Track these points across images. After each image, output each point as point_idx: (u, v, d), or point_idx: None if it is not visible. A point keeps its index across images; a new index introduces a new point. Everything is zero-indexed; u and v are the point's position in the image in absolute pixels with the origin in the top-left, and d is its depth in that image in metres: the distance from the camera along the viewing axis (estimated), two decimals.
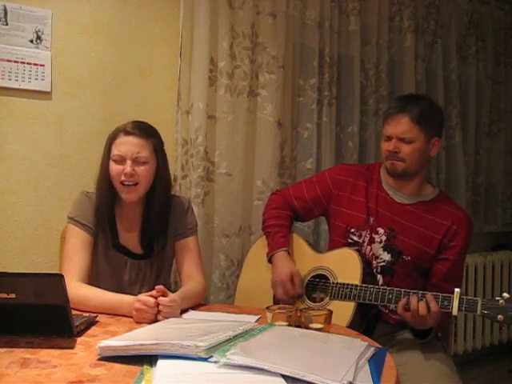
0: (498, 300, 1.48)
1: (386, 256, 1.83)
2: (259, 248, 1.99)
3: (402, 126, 1.79)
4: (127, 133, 1.67)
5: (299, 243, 1.94)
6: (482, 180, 3.41)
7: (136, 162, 1.65)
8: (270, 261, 1.88)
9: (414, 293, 1.60)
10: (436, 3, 3.10)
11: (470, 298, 1.53)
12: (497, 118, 3.49)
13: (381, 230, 1.85)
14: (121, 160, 1.65)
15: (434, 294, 1.58)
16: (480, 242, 3.48)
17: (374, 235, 1.85)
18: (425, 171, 1.90)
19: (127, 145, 1.65)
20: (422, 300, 1.57)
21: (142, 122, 1.74)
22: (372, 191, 1.91)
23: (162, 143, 1.75)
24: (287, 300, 1.77)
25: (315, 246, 2.01)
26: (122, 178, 1.65)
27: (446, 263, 1.80)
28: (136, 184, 1.66)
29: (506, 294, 1.48)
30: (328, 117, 2.65)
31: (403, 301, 1.59)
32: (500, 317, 1.47)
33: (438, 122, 1.86)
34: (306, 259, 1.87)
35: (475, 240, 3.29)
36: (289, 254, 1.86)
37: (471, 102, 3.32)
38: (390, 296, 1.65)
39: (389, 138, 1.82)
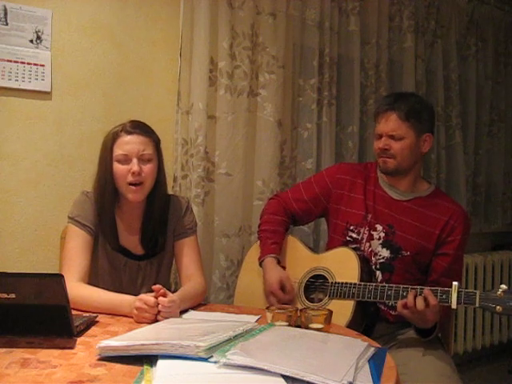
0: (495, 291, 1.50)
1: (385, 252, 1.83)
2: (257, 249, 1.98)
3: (390, 123, 1.80)
4: (129, 132, 1.67)
5: (296, 245, 1.94)
6: (482, 180, 3.41)
7: (141, 159, 1.65)
8: (261, 266, 1.88)
9: (412, 288, 1.61)
10: (436, 3, 3.10)
11: (468, 290, 1.55)
12: (497, 118, 3.49)
13: (379, 227, 1.85)
14: (125, 159, 1.65)
15: (432, 288, 1.59)
16: (480, 242, 3.48)
17: (372, 232, 1.86)
18: (419, 167, 1.91)
19: (132, 143, 1.65)
20: (419, 295, 1.57)
21: (140, 121, 1.74)
22: (370, 189, 1.91)
23: (160, 142, 1.75)
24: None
25: (312, 247, 2.01)
26: (130, 179, 1.64)
27: (445, 258, 1.81)
28: (142, 183, 1.65)
29: (503, 286, 1.50)
30: (328, 117, 2.65)
31: (402, 301, 1.60)
32: (498, 308, 1.48)
33: (428, 118, 1.85)
34: (304, 260, 1.87)
35: (475, 240, 3.33)
36: (279, 261, 1.86)
37: (471, 101, 3.32)
38: (389, 293, 1.65)
39: (379, 136, 1.84)
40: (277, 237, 1.93)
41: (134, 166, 1.63)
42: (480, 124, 3.38)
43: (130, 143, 1.65)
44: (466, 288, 3.14)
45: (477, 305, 1.51)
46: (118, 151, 1.65)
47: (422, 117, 1.82)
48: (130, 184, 1.65)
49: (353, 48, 2.76)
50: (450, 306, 1.55)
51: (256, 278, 1.94)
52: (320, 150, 2.64)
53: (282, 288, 1.77)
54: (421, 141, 1.83)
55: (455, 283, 1.56)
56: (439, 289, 1.58)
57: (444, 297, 1.56)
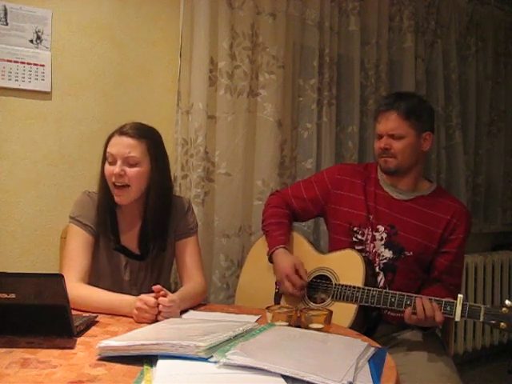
0: (500, 307, 1.49)
1: (388, 253, 1.83)
2: (259, 248, 1.98)
3: (391, 122, 1.81)
4: (121, 133, 1.66)
5: (301, 242, 1.94)
6: (482, 180, 3.41)
7: (127, 162, 1.64)
8: (270, 260, 1.88)
9: (416, 297, 1.60)
10: (436, 3, 3.10)
11: (472, 304, 1.54)
12: (497, 118, 3.49)
13: (381, 228, 1.85)
14: (112, 160, 1.65)
15: (437, 299, 1.58)
16: (480, 242, 3.48)
17: (374, 233, 1.85)
18: (420, 167, 1.90)
19: (118, 145, 1.65)
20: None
21: (141, 124, 1.72)
22: (370, 190, 1.91)
23: (158, 145, 1.72)
24: (295, 293, 1.76)
25: (317, 246, 2.00)
26: (113, 179, 1.64)
27: (447, 256, 1.81)
28: (127, 186, 1.64)
29: (508, 302, 1.48)
30: (328, 117, 2.65)
31: (408, 310, 1.60)
32: (503, 324, 1.47)
33: (427, 117, 1.86)
34: (309, 259, 1.86)
35: (475, 240, 3.33)
36: (288, 250, 1.86)
37: (471, 102, 3.32)
38: (393, 299, 1.64)
39: (380, 136, 1.85)
40: (283, 228, 1.92)
41: (116, 168, 1.63)
42: (480, 124, 3.38)
43: (117, 145, 1.65)
44: (466, 288, 3.19)
45: (480, 320, 1.50)
46: (108, 151, 1.66)
47: (422, 115, 1.83)
48: (115, 185, 1.64)
49: (353, 48, 2.76)
50: (454, 318, 1.55)
51: (258, 276, 1.94)
52: (320, 150, 2.64)
53: (296, 273, 1.77)
54: (421, 139, 1.84)
55: (460, 296, 1.55)
56: (444, 300, 1.57)
57: (448, 309, 1.56)
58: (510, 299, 1.50)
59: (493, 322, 1.49)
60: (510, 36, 3.56)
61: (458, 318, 1.54)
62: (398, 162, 1.82)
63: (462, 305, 1.53)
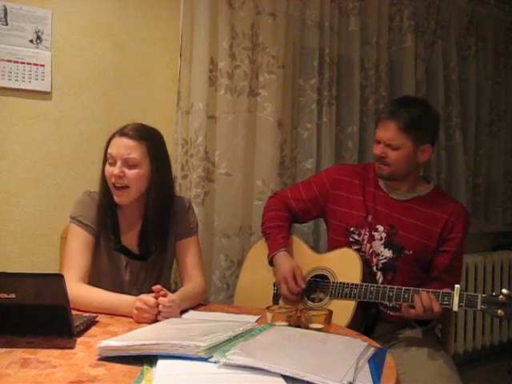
0: (497, 295, 1.50)
1: (388, 253, 1.83)
2: (259, 248, 1.99)
3: (389, 132, 1.79)
4: (122, 134, 1.66)
5: (298, 244, 1.95)
6: (482, 180, 3.41)
7: (126, 164, 1.63)
8: (271, 263, 1.88)
9: (414, 290, 1.61)
10: (436, 3, 3.10)
11: (469, 293, 1.55)
12: (497, 118, 3.49)
13: (380, 228, 1.86)
14: (112, 161, 1.65)
15: (435, 291, 1.59)
16: (480, 242, 3.48)
17: (373, 233, 1.86)
18: (417, 173, 1.91)
19: (118, 146, 1.65)
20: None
21: (143, 125, 1.72)
22: (369, 190, 1.92)
23: (159, 146, 1.72)
24: (291, 298, 1.78)
25: (314, 247, 2.01)
26: (113, 180, 1.64)
27: (446, 255, 1.82)
28: (126, 187, 1.64)
29: (505, 290, 1.50)
30: (328, 117, 2.65)
31: (406, 304, 1.61)
32: (500, 312, 1.48)
33: (430, 129, 1.84)
34: (306, 260, 1.87)
35: (475, 240, 3.33)
36: (289, 253, 1.87)
37: (471, 101, 3.32)
38: (391, 294, 1.66)
39: (378, 142, 1.85)
40: (284, 232, 1.93)
41: (116, 169, 1.63)
42: (480, 124, 3.38)
43: (117, 146, 1.65)
44: (466, 288, 3.19)
45: (478, 308, 1.51)
46: (108, 151, 1.66)
47: (423, 127, 1.80)
48: (114, 186, 1.65)
49: (353, 48, 2.76)
50: (452, 308, 1.56)
51: (257, 277, 1.94)
52: (320, 150, 2.64)
53: (293, 277, 1.78)
54: (418, 151, 1.82)
55: (457, 286, 1.56)
56: (441, 291, 1.58)
57: (446, 299, 1.57)
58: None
59: (490, 310, 1.50)
60: (510, 36, 3.56)
61: (455, 307, 1.55)
62: (391, 170, 1.83)
63: (459, 295, 1.54)
